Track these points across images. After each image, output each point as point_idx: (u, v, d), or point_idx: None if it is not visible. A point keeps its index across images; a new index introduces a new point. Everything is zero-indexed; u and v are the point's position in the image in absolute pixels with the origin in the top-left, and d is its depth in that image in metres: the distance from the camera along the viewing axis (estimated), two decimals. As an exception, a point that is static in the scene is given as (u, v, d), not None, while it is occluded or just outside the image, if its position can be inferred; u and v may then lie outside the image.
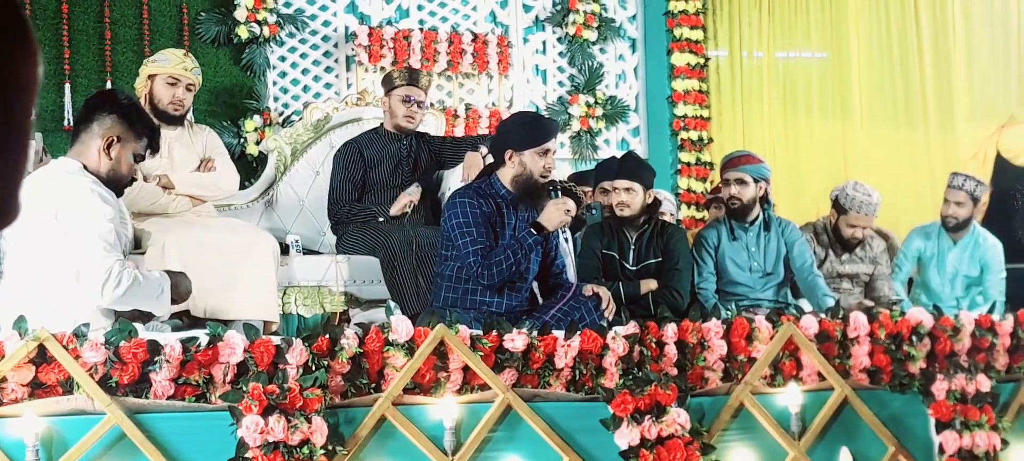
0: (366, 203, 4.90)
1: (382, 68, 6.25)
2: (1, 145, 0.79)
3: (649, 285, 4.62)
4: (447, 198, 4.24)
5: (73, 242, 3.23)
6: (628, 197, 4.70)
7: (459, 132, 6.57)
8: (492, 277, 3.96)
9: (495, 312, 3.92)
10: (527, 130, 4.11)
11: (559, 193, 4.04)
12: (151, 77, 4.63)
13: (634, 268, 4.68)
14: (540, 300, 4.28)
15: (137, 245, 4.25)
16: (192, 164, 4.65)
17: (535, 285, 4.30)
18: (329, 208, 4.97)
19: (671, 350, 3.62)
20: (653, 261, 4.68)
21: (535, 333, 3.45)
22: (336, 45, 6.71)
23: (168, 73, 4.59)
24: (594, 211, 5.62)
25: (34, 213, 3.21)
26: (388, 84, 5.05)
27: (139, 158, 3.46)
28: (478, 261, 3.95)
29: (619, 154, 5.87)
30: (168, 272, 3.50)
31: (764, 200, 5.05)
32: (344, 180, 4.93)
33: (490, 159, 4.56)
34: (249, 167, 6.12)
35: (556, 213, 3.98)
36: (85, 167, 3.34)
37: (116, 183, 3.41)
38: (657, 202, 4.87)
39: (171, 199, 4.49)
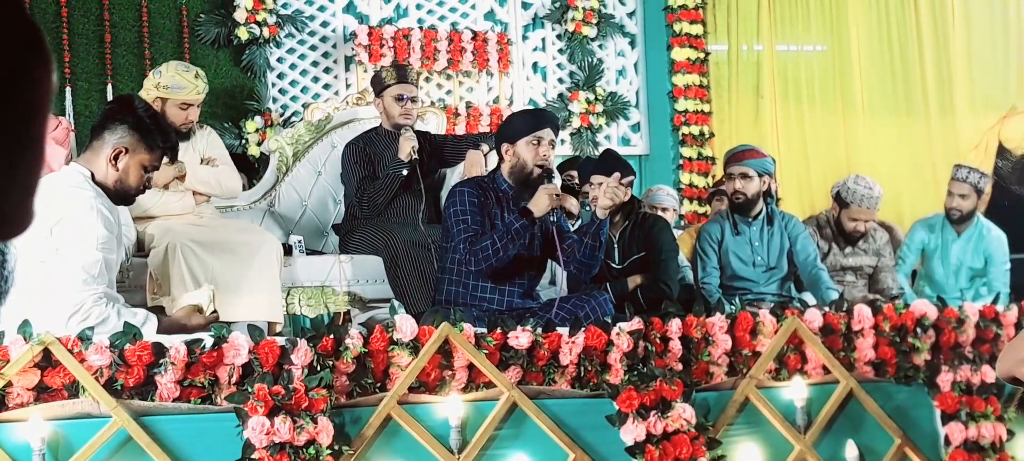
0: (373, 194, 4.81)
1: (382, 67, 6.24)
2: (15, 153, 0.79)
3: (635, 280, 4.58)
4: (448, 190, 4.22)
5: (59, 262, 3.15)
6: (598, 192, 4.65)
7: (460, 130, 6.57)
8: (479, 262, 3.89)
9: (496, 309, 3.90)
10: (520, 120, 4.14)
11: (549, 180, 3.98)
12: (163, 98, 4.55)
13: (620, 266, 4.64)
14: (539, 296, 4.25)
15: (141, 248, 4.24)
16: (193, 165, 4.63)
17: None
18: (357, 206, 4.84)
19: (676, 345, 3.62)
20: (638, 256, 4.63)
21: (540, 330, 3.45)
22: (335, 45, 6.71)
23: (181, 100, 4.48)
24: (586, 209, 5.60)
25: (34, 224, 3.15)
26: (379, 85, 5.00)
27: (151, 169, 3.38)
28: (466, 247, 3.91)
29: (622, 151, 5.84)
30: (174, 314, 3.45)
31: (767, 194, 5.04)
32: (364, 177, 4.85)
33: (492, 156, 4.54)
34: (251, 168, 6.12)
35: (543, 197, 3.89)
36: (93, 176, 3.28)
37: (123, 195, 3.35)
38: (634, 200, 4.78)
39: (178, 198, 4.45)
